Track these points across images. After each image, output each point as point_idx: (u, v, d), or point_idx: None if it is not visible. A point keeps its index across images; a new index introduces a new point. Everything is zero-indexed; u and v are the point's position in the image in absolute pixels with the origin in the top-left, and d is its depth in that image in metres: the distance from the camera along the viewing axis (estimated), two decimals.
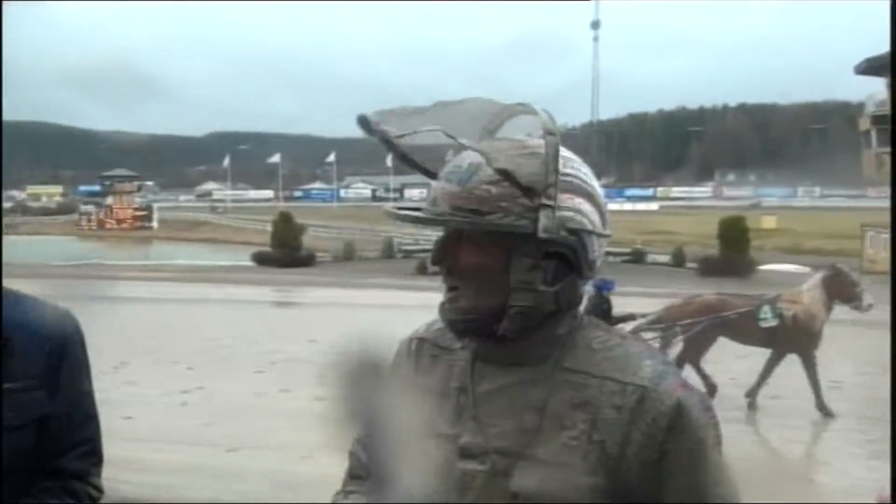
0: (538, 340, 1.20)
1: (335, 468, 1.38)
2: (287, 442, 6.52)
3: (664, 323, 8.22)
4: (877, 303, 7.83)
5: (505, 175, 1.15)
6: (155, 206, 55.02)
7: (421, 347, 1.35)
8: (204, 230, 49.45)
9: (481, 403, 1.22)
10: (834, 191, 73.61)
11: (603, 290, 7.22)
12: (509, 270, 1.19)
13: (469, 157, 1.19)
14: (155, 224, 51.59)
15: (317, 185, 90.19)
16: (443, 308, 1.24)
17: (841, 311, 8.27)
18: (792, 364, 7.98)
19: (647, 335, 7.66)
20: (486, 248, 1.19)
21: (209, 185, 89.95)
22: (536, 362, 1.20)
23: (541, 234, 1.16)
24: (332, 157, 66.95)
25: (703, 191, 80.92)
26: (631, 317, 7.92)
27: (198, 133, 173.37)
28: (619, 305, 7.70)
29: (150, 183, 71.46)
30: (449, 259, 1.22)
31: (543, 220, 1.18)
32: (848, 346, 10.01)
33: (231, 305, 18.41)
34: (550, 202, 1.17)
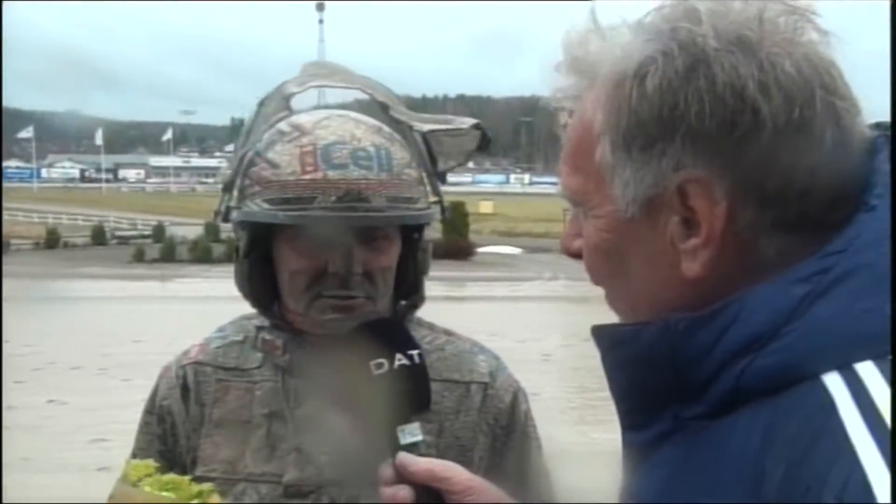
0: None
1: None
2: None
3: None
4: (567, 277, 8.60)
5: (429, 157, 1.10)
6: None
7: (200, 374, 1.11)
8: None
9: (304, 429, 1.04)
10: (541, 178, 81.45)
11: None
12: (415, 263, 1.10)
13: (357, 136, 1.04)
14: None
15: (13, 162, 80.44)
16: (333, 322, 1.02)
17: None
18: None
19: None
20: (393, 243, 1.06)
21: None
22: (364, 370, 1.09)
23: (437, 220, 1.10)
24: (29, 132, 59.85)
25: None
26: None
27: None
28: None
29: None
30: (347, 263, 1.01)
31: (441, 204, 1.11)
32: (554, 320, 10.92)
33: None
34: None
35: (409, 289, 1.11)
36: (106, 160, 66.83)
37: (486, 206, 41.94)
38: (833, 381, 0.49)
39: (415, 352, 0.85)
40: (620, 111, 0.56)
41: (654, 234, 0.57)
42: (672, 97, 0.54)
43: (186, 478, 0.90)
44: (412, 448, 0.81)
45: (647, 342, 0.56)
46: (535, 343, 8.65)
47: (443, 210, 1.10)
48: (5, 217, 30.93)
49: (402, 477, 0.80)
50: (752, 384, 0.52)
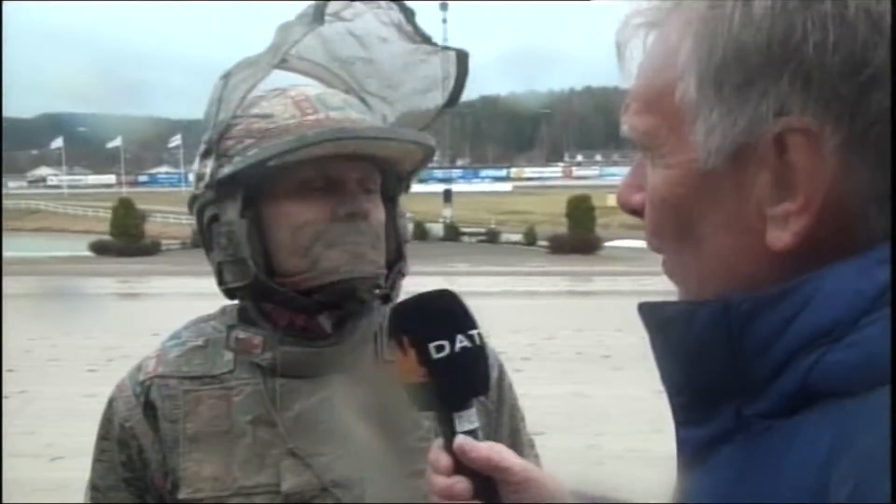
0: (366, 326, 1.03)
1: None
2: None
3: None
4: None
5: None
6: None
7: (164, 388, 1.01)
8: (36, 219, 46.03)
9: (295, 432, 0.97)
10: None
11: None
12: (395, 229, 1.04)
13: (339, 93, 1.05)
14: None
15: (164, 168, 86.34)
16: (346, 268, 0.97)
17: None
18: None
19: None
20: (379, 201, 1.03)
21: (42, 171, 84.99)
22: (352, 361, 1.00)
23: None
24: (177, 140, 63.94)
25: (553, 171, 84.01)
26: None
27: (26, 115, 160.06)
28: (475, 285, 7.68)
29: None
30: (355, 202, 0.98)
31: None
32: None
33: (65, 298, 17.16)
34: None
35: (395, 256, 1.04)
36: None
37: (613, 200, 41.02)
38: None
39: (475, 331, 0.73)
40: (716, 39, 0.45)
41: (736, 192, 0.47)
42: (787, 23, 0.43)
43: None
44: (469, 436, 0.73)
45: (702, 325, 0.47)
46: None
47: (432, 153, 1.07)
48: (158, 219, 33.19)
49: (457, 466, 0.71)
50: (822, 382, 0.43)
